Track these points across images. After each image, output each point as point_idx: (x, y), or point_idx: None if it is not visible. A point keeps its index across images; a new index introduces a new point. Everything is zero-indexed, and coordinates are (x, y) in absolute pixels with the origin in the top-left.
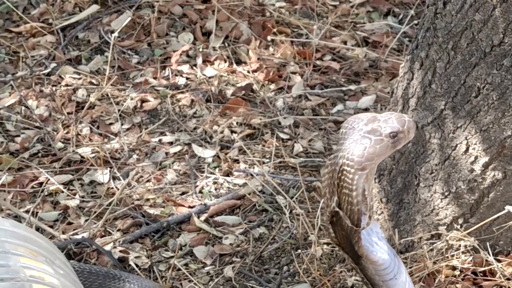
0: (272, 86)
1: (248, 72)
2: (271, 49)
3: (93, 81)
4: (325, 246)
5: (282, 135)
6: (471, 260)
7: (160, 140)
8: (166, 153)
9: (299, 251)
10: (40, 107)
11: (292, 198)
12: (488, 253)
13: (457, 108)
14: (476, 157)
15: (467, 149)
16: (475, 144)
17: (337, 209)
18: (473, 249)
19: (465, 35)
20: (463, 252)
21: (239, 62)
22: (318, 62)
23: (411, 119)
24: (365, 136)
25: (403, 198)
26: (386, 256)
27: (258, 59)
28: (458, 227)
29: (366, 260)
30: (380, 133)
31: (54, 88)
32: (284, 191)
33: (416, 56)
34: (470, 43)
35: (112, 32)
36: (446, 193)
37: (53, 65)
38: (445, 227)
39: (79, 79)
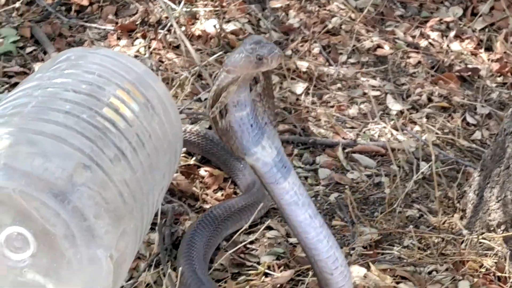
0: (499, 79)
1: (488, 60)
2: None
3: (352, 15)
4: (412, 212)
5: (470, 119)
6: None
7: (367, 81)
8: (364, 93)
9: (395, 207)
10: (295, 18)
11: (435, 168)
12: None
13: None
14: None
15: None
16: None
17: (211, 95)
18: (504, 256)
19: None
20: (499, 257)
21: (488, 49)
22: None
23: (279, 53)
24: (242, 50)
25: (483, 194)
26: (266, 160)
27: (505, 52)
28: (500, 232)
29: (246, 160)
30: (252, 52)
31: (317, 9)
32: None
33: None
34: None
35: None
36: (499, 198)
37: None
38: (492, 228)
39: (342, 9)
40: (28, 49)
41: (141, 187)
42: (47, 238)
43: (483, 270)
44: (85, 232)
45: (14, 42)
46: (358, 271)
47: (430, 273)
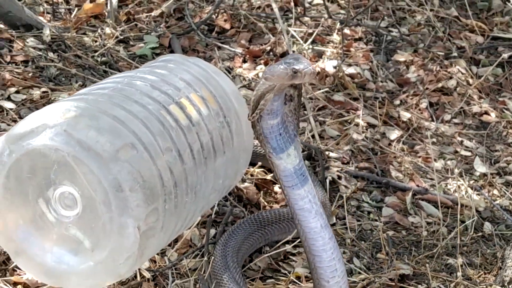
0: None
1: None
2: None
3: (470, 80)
4: (453, 261)
5: None
6: None
7: (462, 142)
8: (455, 151)
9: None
10: (414, 73)
11: (496, 230)
12: None
13: None
14: None
15: None
16: None
17: (252, 100)
18: None
19: None
20: None
21: None
22: None
23: (314, 70)
24: (281, 63)
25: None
26: (288, 166)
27: None
28: None
29: (270, 160)
30: (289, 65)
31: (438, 68)
32: (498, 223)
33: None
34: None
35: None
36: None
37: None
38: (505, 284)
39: (462, 74)
40: None
41: (186, 177)
42: (90, 201)
43: None
44: (119, 201)
45: (152, 48)
46: None
47: None
